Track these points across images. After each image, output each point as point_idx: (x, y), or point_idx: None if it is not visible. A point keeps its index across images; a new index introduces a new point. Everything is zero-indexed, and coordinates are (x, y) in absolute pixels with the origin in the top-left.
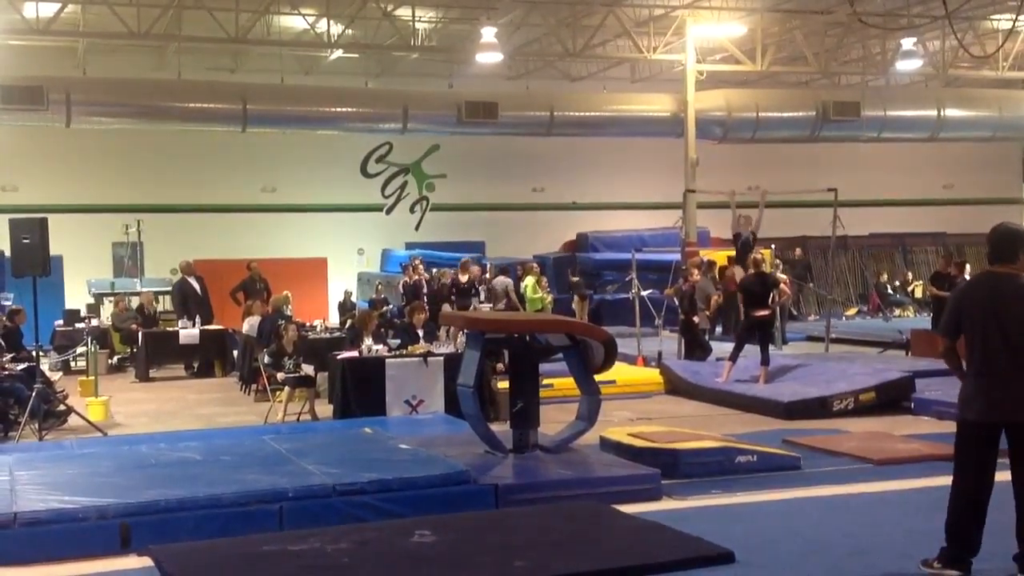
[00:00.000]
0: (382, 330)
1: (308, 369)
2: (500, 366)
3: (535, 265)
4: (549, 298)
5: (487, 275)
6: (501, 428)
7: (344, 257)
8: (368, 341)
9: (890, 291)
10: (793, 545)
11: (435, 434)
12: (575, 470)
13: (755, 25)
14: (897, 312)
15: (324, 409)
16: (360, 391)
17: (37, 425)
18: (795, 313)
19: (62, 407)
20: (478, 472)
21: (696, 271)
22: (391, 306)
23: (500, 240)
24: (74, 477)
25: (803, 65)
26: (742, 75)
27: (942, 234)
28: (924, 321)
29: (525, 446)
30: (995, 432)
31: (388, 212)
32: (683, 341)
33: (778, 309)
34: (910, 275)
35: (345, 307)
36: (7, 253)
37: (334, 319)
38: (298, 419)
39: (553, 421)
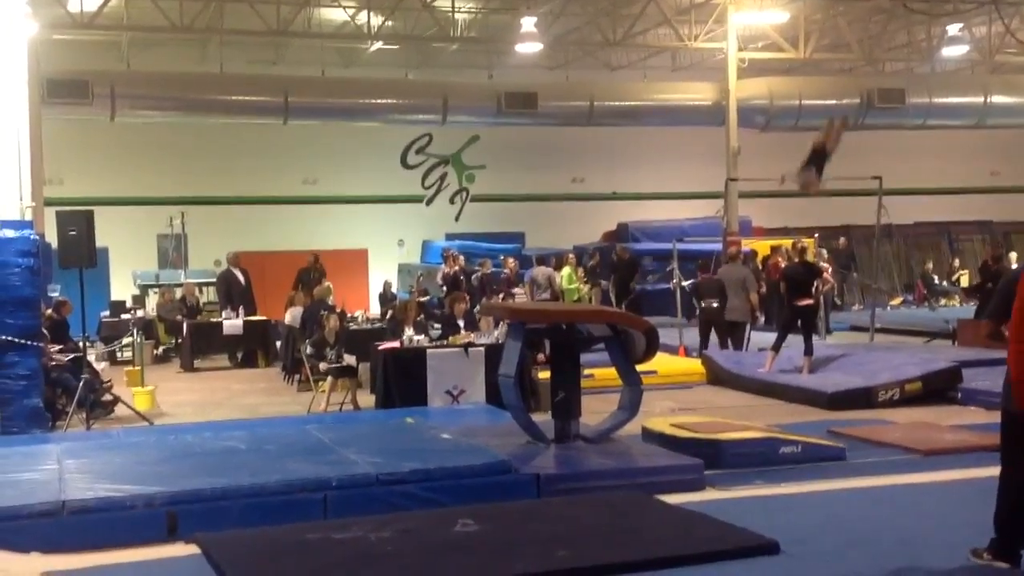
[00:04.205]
0: (421, 318)
1: (350, 359)
2: (541, 356)
3: (572, 256)
4: (585, 288)
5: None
6: (542, 418)
7: (385, 248)
8: (409, 332)
9: (936, 280)
10: (838, 536)
11: (477, 424)
12: (617, 460)
13: (798, 12)
14: (943, 301)
15: (366, 399)
16: (402, 381)
17: (85, 415)
18: (839, 303)
19: (109, 397)
20: (520, 462)
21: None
22: (429, 295)
23: (540, 231)
24: (121, 466)
25: (847, 52)
26: (785, 63)
27: (988, 222)
28: (971, 310)
29: (567, 436)
30: None
31: (428, 203)
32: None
33: (821, 299)
34: (956, 263)
35: (385, 298)
36: (54, 245)
37: (375, 310)
38: (340, 409)
39: (594, 411)
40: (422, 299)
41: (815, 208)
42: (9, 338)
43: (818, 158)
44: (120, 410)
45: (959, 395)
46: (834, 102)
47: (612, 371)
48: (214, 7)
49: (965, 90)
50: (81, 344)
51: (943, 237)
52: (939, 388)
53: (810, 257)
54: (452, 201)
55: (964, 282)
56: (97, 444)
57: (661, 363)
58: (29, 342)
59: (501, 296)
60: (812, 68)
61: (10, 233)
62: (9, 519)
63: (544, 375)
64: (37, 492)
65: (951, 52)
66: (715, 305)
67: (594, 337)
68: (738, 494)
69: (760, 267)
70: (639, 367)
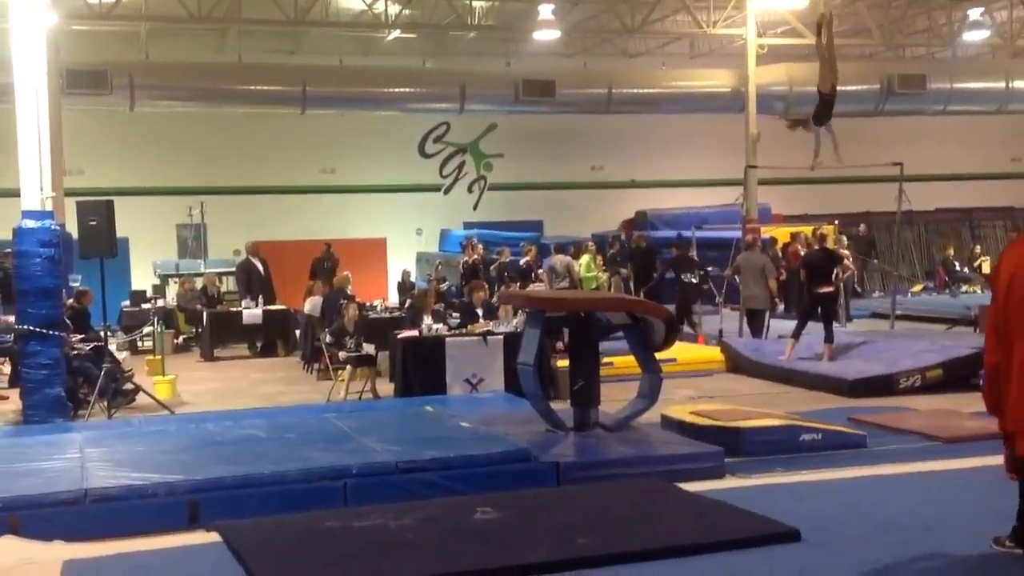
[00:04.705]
0: (440, 306)
1: (369, 348)
2: (560, 344)
3: (591, 244)
4: (604, 276)
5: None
6: (561, 406)
7: (403, 237)
8: (428, 320)
9: (957, 267)
10: (859, 524)
11: (495, 412)
12: (637, 448)
13: None
14: (964, 288)
15: (385, 388)
16: (420, 370)
17: (106, 403)
18: (859, 290)
19: (130, 386)
20: (539, 450)
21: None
22: (447, 282)
23: (559, 219)
24: (142, 454)
25: (867, 38)
26: (804, 49)
27: (1010, 208)
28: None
29: (586, 424)
30: None
31: (446, 192)
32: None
33: (841, 286)
34: (978, 249)
35: (404, 287)
36: (75, 235)
37: (394, 299)
38: (360, 397)
39: (613, 399)
40: (440, 286)
41: (835, 195)
42: (31, 327)
43: (824, 105)
44: (141, 399)
45: (980, 382)
46: (854, 88)
47: (631, 359)
48: None
49: (986, 75)
50: (102, 333)
51: (964, 223)
52: (960, 375)
53: (830, 244)
54: (470, 190)
55: (985, 268)
56: (118, 433)
57: (680, 351)
58: (51, 331)
59: (519, 284)
60: None
61: (31, 223)
62: (32, 507)
63: (563, 363)
64: (60, 481)
65: (972, 37)
66: (694, 281)
67: (613, 325)
68: (758, 482)
69: (780, 254)
70: (658, 355)
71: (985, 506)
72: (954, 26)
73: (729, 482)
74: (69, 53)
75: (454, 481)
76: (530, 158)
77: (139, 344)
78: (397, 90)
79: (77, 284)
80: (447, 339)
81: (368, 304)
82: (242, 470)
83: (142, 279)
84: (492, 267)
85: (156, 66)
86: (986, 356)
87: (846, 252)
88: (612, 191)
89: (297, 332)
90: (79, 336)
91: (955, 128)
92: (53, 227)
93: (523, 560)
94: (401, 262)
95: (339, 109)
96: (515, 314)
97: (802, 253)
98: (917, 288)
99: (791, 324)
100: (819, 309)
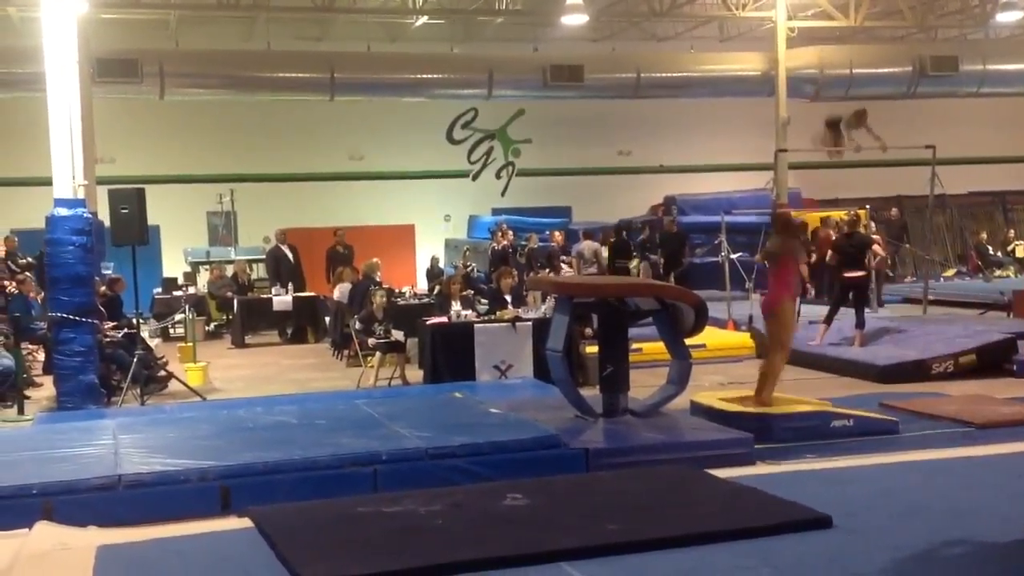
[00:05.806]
0: (469, 293)
1: (398, 335)
2: (589, 331)
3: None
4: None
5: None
6: (590, 393)
7: (431, 223)
8: (456, 307)
9: (990, 251)
10: (891, 510)
11: (524, 398)
12: (666, 434)
13: None
14: (998, 272)
15: (415, 374)
16: (449, 356)
17: (139, 390)
18: (891, 275)
19: (162, 373)
20: (568, 436)
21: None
22: (471, 266)
23: (587, 204)
24: (175, 440)
25: (898, 19)
26: (835, 31)
27: None
28: None
29: (615, 410)
30: None
31: (474, 178)
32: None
33: (873, 271)
34: (1012, 233)
35: (432, 273)
36: (107, 223)
37: (422, 285)
38: (389, 384)
39: (643, 385)
40: (466, 269)
41: (866, 179)
42: (65, 315)
43: None
44: (173, 385)
45: (1015, 367)
46: (886, 70)
47: (660, 345)
48: None
49: (1020, 57)
50: (134, 320)
51: (997, 207)
52: (994, 360)
53: (861, 228)
54: (498, 176)
55: (1019, 252)
56: (151, 419)
57: (710, 337)
58: (84, 319)
59: (547, 271)
60: (863, 36)
61: (64, 211)
62: (67, 493)
63: (592, 349)
64: (93, 467)
65: (1005, 18)
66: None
67: (642, 311)
68: (789, 468)
69: (809, 239)
70: (688, 341)
71: (1019, 492)
72: (987, 7)
73: (759, 468)
74: (99, 42)
75: (483, 467)
76: (558, 144)
77: (171, 331)
78: (425, 76)
79: (109, 271)
80: (476, 325)
81: (397, 291)
82: (273, 456)
83: (173, 266)
84: (520, 253)
85: (185, 54)
86: None
87: (877, 237)
88: (640, 176)
89: (327, 319)
90: (112, 323)
91: (988, 110)
92: (85, 215)
93: (553, 546)
94: (430, 248)
95: (367, 96)
96: (543, 300)
97: (833, 238)
98: (950, 273)
99: (820, 309)
100: (851, 295)
